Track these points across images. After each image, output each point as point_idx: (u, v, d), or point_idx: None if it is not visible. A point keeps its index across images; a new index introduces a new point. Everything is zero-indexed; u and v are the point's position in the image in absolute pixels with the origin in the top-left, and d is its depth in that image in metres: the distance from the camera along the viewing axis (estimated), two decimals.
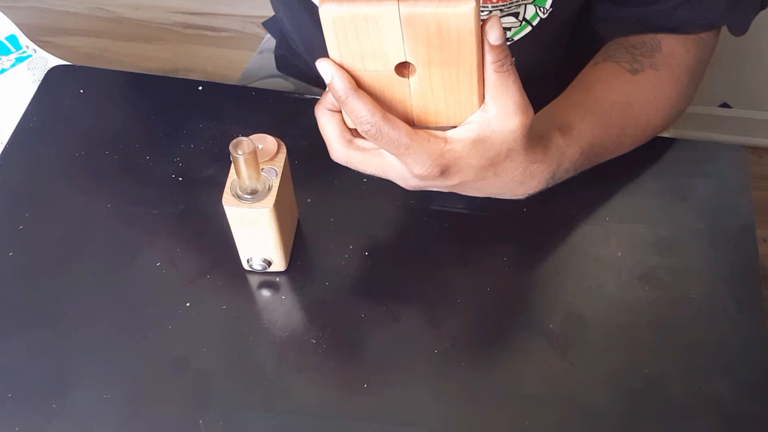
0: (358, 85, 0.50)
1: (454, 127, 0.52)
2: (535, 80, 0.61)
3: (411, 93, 0.51)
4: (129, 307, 0.62)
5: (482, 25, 0.47)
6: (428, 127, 0.52)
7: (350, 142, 0.55)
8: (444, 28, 0.46)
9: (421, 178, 0.53)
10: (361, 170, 0.56)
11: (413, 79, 0.50)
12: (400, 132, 0.50)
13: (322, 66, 0.49)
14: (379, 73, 0.49)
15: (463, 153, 0.52)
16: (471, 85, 0.50)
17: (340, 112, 0.54)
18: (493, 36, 0.47)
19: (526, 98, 0.51)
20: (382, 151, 0.54)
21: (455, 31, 0.46)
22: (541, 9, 0.68)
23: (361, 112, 0.50)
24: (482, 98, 0.51)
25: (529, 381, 0.59)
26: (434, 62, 0.48)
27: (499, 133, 0.52)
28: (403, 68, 0.49)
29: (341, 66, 0.49)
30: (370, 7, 0.46)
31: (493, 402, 0.58)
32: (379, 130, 0.50)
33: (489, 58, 0.49)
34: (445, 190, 0.57)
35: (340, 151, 0.55)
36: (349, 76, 0.49)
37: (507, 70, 0.49)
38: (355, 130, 0.53)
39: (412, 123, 0.52)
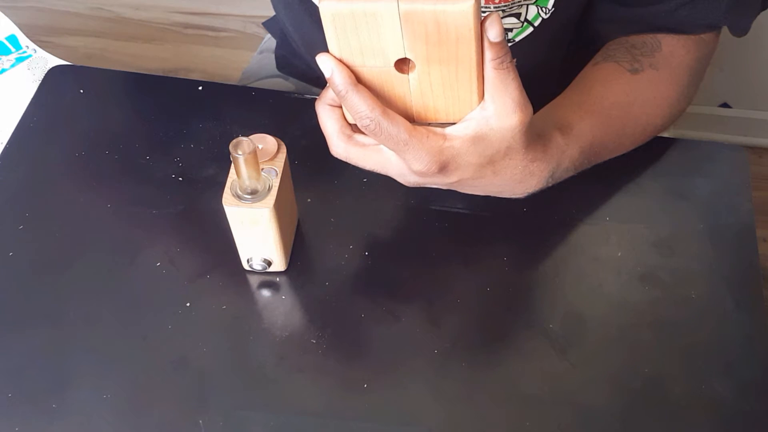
0: (358, 80, 0.50)
1: (454, 123, 0.52)
2: (536, 81, 0.61)
3: (410, 89, 0.51)
4: (129, 307, 0.62)
5: (482, 22, 0.47)
6: (428, 124, 0.52)
7: (350, 137, 0.55)
8: (443, 25, 0.46)
9: (420, 174, 0.53)
10: (360, 166, 0.56)
11: (413, 76, 0.50)
12: (399, 128, 0.50)
13: (322, 61, 0.49)
14: (378, 69, 0.50)
15: (462, 150, 0.52)
16: (470, 82, 0.50)
17: (341, 107, 0.54)
18: (493, 33, 0.47)
19: (526, 96, 0.51)
20: (381, 147, 0.54)
21: (454, 28, 0.46)
22: (543, 9, 0.68)
23: (360, 107, 0.50)
24: (482, 95, 0.51)
25: (529, 381, 0.59)
26: (433, 59, 0.48)
27: (497, 131, 0.52)
28: (402, 64, 0.49)
29: (341, 61, 0.49)
30: (369, 3, 0.46)
31: (493, 402, 0.58)
32: (378, 125, 0.50)
33: (488, 55, 0.49)
34: (444, 188, 0.57)
35: (339, 146, 0.55)
36: (349, 71, 0.50)
37: (506, 68, 0.49)
38: (355, 125, 0.53)
39: (411, 119, 0.52)
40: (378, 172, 0.56)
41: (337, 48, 0.49)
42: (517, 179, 0.57)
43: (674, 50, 0.68)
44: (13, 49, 0.82)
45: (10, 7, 1.78)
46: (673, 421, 0.57)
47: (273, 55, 0.94)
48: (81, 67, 0.79)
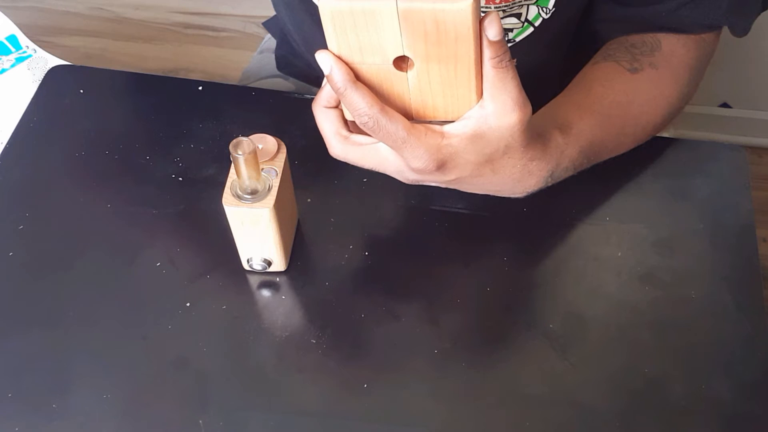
0: (357, 78, 0.50)
1: (453, 122, 0.52)
2: (536, 81, 0.61)
3: (409, 87, 0.51)
4: (129, 307, 0.62)
5: (481, 21, 0.47)
6: (426, 122, 0.52)
7: (346, 138, 0.55)
8: (441, 23, 0.46)
9: (418, 171, 0.53)
10: (358, 165, 0.56)
11: (411, 74, 0.50)
12: (397, 125, 0.50)
13: (322, 57, 0.49)
14: (377, 66, 0.50)
15: (460, 148, 0.52)
16: (469, 81, 0.50)
17: (336, 108, 0.55)
18: (492, 32, 0.47)
19: (525, 95, 0.51)
20: (379, 145, 0.54)
21: (453, 27, 0.46)
22: (544, 9, 0.68)
23: (359, 104, 0.50)
24: (480, 94, 0.51)
25: (529, 381, 0.59)
26: (432, 57, 0.48)
27: (496, 129, 0.52)
28: (401, 62, 0.49)
29: (340, 59, 0.49)
30: (368, 1, 0.46)
31: (493, 402, 0.58)
32: (377, 122, 0.50)
33: (487, 53, 0.49)
34: (443, 186, 0.57)
35: (337, 147, 0.55)
36: (348, 68, 0.50)
37: (505, 66, 0.49)
38: (353, 123, 0.53)
39: (410, 117, 0.52)
40: (377, 170, 0.56)
41: (336, 45, 0.49)
42: (516, 178, 0.57)
43: (674, 49, 0.68)
44: (13, 49, 0.82)
45: (10, 7, 1.78)
46: (672, 421, 0.57)
47: (273, 55, 0.94)
48: (81, 67, 0.79)
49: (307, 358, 0.60)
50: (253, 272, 0.64)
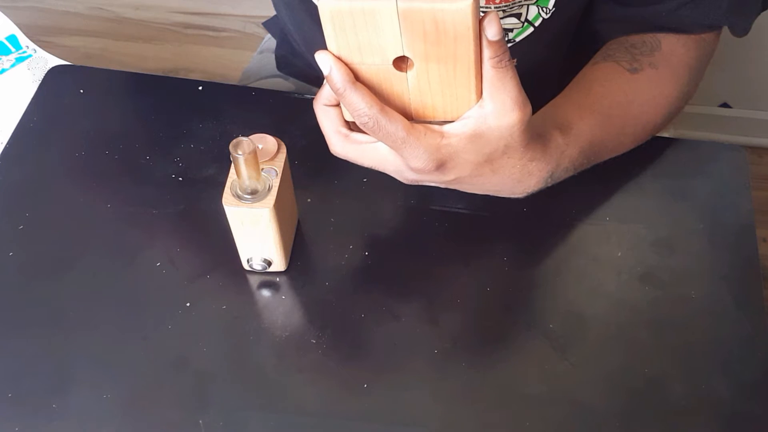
0: (357, 78, 0.50)
1: (452, 121, 0.52)
2: (536, 81, 0.61)
3: (409, 87, 0.51)
4: (129, 307, 0.62)
5: (480, 20, 0.47)
6: (426, 122, 0.52)
7: (346, 136, 0.55)
8: (441, 23, 0.46)
9: (417, 171, 0.53)
10: (358, 163, 0.56)
11: (411, 74, 0.50)
12: (397, 125, 0.50)
13: (321, 58, 0.49)
14: (377, 66, 0.50)
15: (459, 148, 0.52)
16: (468, 81, 0.50)
17: (337, 106, 0.55)
18: (492, 32, 0.48)
19: (524, 94, 0.51)
20: (379, 144, 0.54)
21: (452, 26, 0.46)
22: (544, 9, 0.68)
23: (359, 104, 0.50)
24: (480, 94, 0.51)
25: (529, 381, 0.59)
26: (432, 57, 0.48)
27: (495, 129, 0.52)
28: (400, 62, 0.50)
29: (339, 59, 0.50)
30: (368, 1, 0.46)
31: (493, 402, 0.58)
32: (376, 122, 0.50)
33: (487, 53, 0.49)
34: (442, 186, 0.57)
35: (337, 145, 0.55)
36: (348, 68, 0.50)
37: (505, 66, 0.49)
38: (354, 123, 0.53)
39: (410, 117, 0.52)
40: (376, 169, 0.56)
41: (335, 45, 0.49)
42: (515, 178, 0.57)
43: (674, 49, 0.68)
44: (13, 49, 0.82)
45: (10, 7, 1.78)
46: (672, 421, 0.57)
47: (273, 55, 0.94)
48: (81, 67, 0.79)
49: (307, 358, 0.60)
50: (253, 272, 0.64)
